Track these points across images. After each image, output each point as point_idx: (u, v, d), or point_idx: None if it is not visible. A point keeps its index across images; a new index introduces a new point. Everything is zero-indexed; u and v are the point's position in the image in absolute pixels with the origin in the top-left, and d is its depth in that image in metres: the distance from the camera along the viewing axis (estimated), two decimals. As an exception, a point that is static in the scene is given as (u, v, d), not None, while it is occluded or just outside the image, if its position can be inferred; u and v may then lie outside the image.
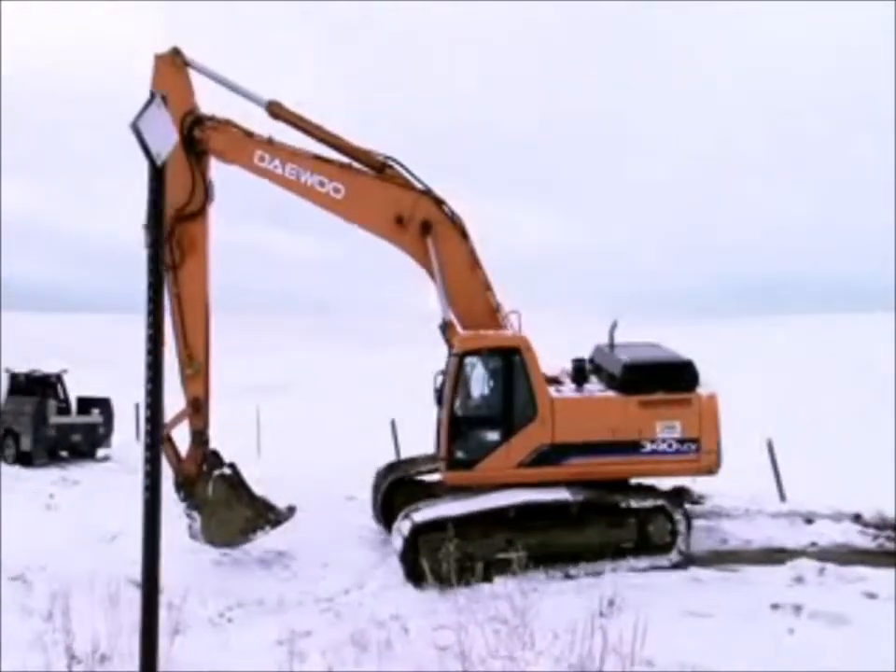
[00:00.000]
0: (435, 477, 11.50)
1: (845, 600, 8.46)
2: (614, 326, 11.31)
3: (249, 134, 10.69)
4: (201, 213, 10.69)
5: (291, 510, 10.72)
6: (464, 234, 10.85)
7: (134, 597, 8.28)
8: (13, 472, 18.00)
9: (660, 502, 10.10)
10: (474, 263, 10.85)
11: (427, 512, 9.73)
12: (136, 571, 9.07)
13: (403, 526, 9.64)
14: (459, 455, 10.20)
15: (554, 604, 7.89)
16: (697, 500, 14.11)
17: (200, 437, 10.77)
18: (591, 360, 11.37)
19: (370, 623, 8.21)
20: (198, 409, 10.69)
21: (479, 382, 10.77)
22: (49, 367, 21.72)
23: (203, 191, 10.66)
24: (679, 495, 14.34)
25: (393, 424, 18.09)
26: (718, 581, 9.50)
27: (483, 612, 6.92)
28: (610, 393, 10.44)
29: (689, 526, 10.16)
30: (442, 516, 9.59)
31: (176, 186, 10.14)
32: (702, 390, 10.51)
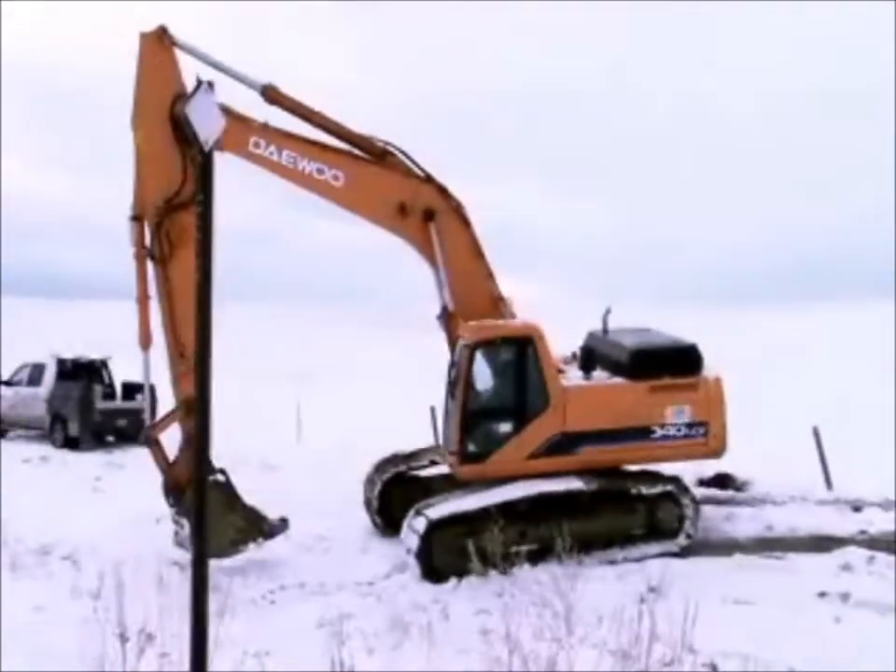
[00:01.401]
0: (432, 472, 11.28)
1: (894, 589, 8.26)
2: (608, 312, 11.17)
3: (243, 119, 10.11)
4: (191, 202, 10.16)
5: (284, 521, 10.16)
6: (466, 222, 10.60)
7: (178, 578, 8.48)
8: (61, 456, 18.37)
9: (669, 488, 10.04)
10: (477, 251, 10.61)
11: (441, 508, 9.52)
12: (179, 553, 9.34)
13: (417, 523, 9.40)
14: (472, 448, 10.01)
15: (595, 589, 7.86)
16: (741, 487, 13.94)
17: (192, 440, 10.30)
18: (587, 347, 11.08)
19: (410, 607, 8.26)
20: (190, 410, 9.88)
21: (490, 372, 10.54)
22: (94, 353, 22.12)
23: (194, 179, 10.26)
24: (723, 481, 14.27)
25: (433, 411, 18.09)
26: (763, 568, 9.38)
27: (525, 596, 6.91)
28: (619, 379, 10.29)
29: (696, 511, 10.16)
30: (458, 511, 9.44)
31: (165, 174, 9.82)
32: (707, 373, 10.43)
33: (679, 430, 10.15)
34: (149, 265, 10.23)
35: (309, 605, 8.57)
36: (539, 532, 9.41)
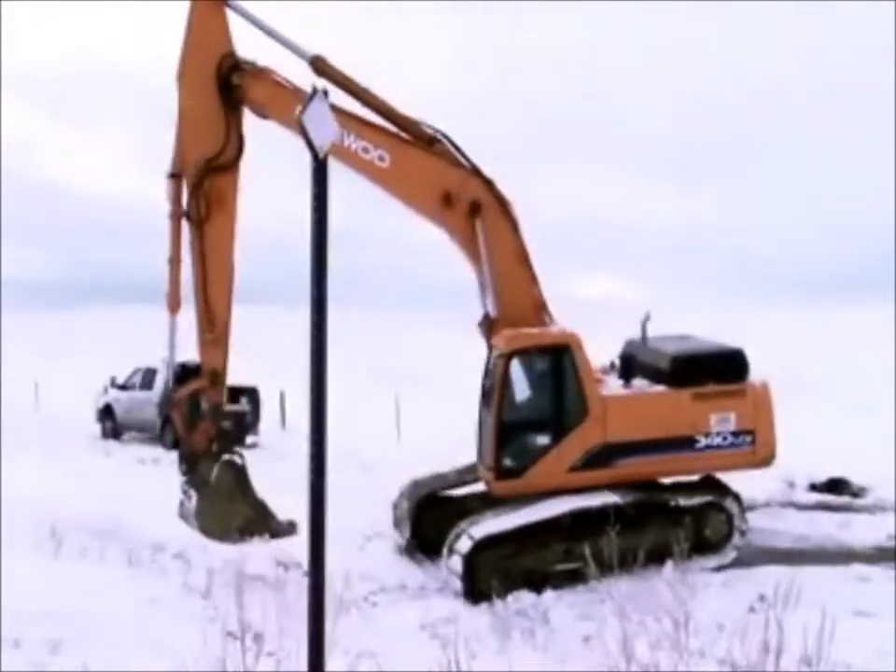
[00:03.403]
0: (464, 491, 10.79)
1: None
2: (647, 318, 10.66)
3: (292, 87, 9.72)
4: (232, 166, 10.07)
5: (292, 525, 9.87)
6: (514, 222, 10.03)
7: (282, 578, 8.66)
8: (171, 457, 19.03)
9: (710, 498, 9.60)
10: (523, 253, 10.05)
11: (484, 528, 9.17)
12: (283, 552, 9.53)
13: (462, 545, 9.02)
14: (508, 462, 9.62)
15: (705, 597, 7.62)
16: (857, 493, 13.47)
17: (216, 411, 10.18)
18: (626, 354, 10.66)
19: (511, 612, 8.22)
20: (215, 381, 10.14)
21: (526, 383, 10.12)
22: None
23: (236, 144, 10.00)
24: (837, 486, 13.70)
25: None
26: (884, 579, 8.96)
27: (630, 604, 6.76)
28: (660, 387, 9.89)
29: (744, 520, 9.69)
30: (501, 531, 9.09)
31: (208, 134, 9.76)
32: (754, 379, 9.97)
33: (724, 439, 9.75)
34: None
35: (410, 607, 8.63)
36: (583, 549, 9.04)
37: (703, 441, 9.70)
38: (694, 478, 10.08)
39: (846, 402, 27.75)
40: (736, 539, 9.65)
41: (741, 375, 9.95)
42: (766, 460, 10.03)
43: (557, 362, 9.70)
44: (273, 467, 16.44)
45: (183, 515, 9.96)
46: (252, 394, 21.98)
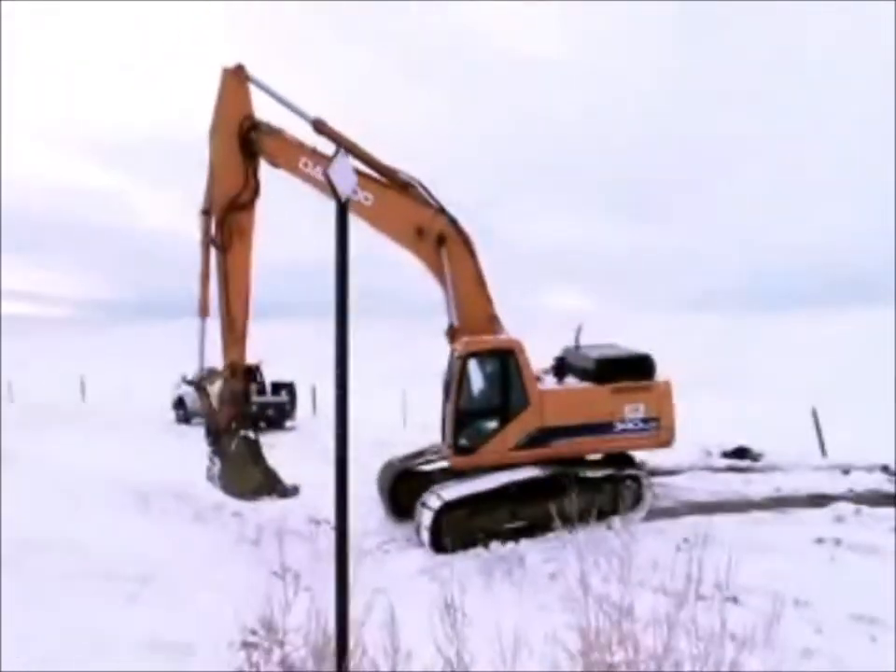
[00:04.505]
0: (433, 467, 10.44)
1: (876, 535, 8.16)
2: (579, 330, 10.61)
3: (297, 142, 9.74)
4: (250, 205, 9.95)
5: (296, 489, 9.79)
6: (472, 251, 9.84)
7: (314, 531, 8.58)
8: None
9: (609, 472, 9.48)
10: (480, 277, 9.82)
11: (452, 491, 8.98)
12: (314, 510, 9.45)
13: (432, 502, 8.87)
14: (464, 442, 9.41)
15: (643, 541, 7.58)
16: (756, 457, 13.63)
17: (237, 397, 10.04)
18: (564, 359, 10.45)
19: (493, 557, 8.18)
20: (234, 373, 10.01)
21: (479, 379, 9.90)
22: (249, 359, 22.73)
23: (253, 187, 9.93)
24: (742, 453, 13.78)
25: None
26: (773, 521, 9.10)
27: (587, 549, 6.74)
28: (586, 384, 9.80)
29: (650, 486, 9.60)
30: (466, 494, 8.93)
31: (231, 180, 9.67)
32: (659, 378, 9.86)
33: (635, 425, 9.63)
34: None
35: (414, 555, 8.55)
36: (527, 511, 8.93)
37: (619, 426, 9.59)
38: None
39: (755, 391, 27.86)
40: (648, 499, 9.57)
41: (649, 374, 9.85)
42: (668, 441, 9.86)
43: (504, 363, 9.52)
44: (307, 445, 16.42)
45: (209, 478, 9.88)
46: (290, 388, 21.87)
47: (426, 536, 8.74)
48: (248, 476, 9.62)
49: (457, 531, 8.67)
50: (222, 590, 6.30)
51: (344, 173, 4.27)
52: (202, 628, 5.33)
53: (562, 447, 9.45)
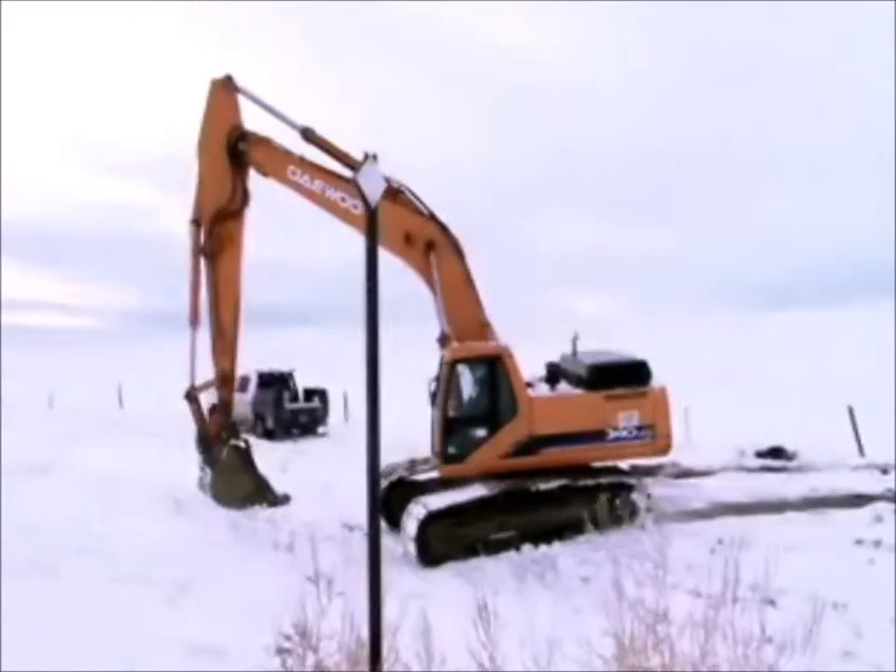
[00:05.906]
0: (425, 476, 10.04)
1: None
2: (576, 337, 10.33)
3: (285, 151, 9.68)
4: (239, 213, 9.91)
5: (286, 497, 9.78)
6: (461, 255, 9.68)
7: (347, 537, 8.59)
8: (260, 444, 19.10)
9: (603, 481, 9.05)
10: (469, 281, 9.65)
11: (437, 501, 8.70)
12: (347, 516, 9.48)
13: (417, 511, 8.57)
14: (452, 450, 9.16)
15: (677, 543, 7.45)
16: (791, 457, 13.35)
17: (225, 408, 9.93)
18: (557, 366, 10.12)
19: (525, 560, 8.10)
20: (224, 382, 9.89)
21: (467, 386, 9.68)
22: (284, 367, 22.97)
23: (241, 196, 9.88)
24: (777, 453, 13.50)
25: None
26: (810, 522, 8.88)
27: (620, 552, 6.65)
28: (579, 391, 9.50)
29: (643, 497, 9.12)
30: (451, 504, 8.63)
31: (219, 189, 9.63)
32: (654, 384, 9.52)
33: (630, 433, 9.31)
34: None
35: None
36: (517, 521, 8.65)
37: (612, 434, 9.29)
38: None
39: (784, 389, 27.28)
40: (644, 510, 9.00)
41: (644, 381, 9.53)
42: (664, 450, 9.53)
43: (492, 369, 9.29)
44: (339, 450, 16.49)
45: (201, 486, 9.86)
46: (323, 395, 21.99)
47: (411, 546, 8.43)
48: (238, 484, 9.61)
49: (443, 542, 8.37)
50: (257, 595, 6.34)
51: (373, 178, 4.24)
52: (237, 633, 5.37)
53: (553, 456, 9.14)
